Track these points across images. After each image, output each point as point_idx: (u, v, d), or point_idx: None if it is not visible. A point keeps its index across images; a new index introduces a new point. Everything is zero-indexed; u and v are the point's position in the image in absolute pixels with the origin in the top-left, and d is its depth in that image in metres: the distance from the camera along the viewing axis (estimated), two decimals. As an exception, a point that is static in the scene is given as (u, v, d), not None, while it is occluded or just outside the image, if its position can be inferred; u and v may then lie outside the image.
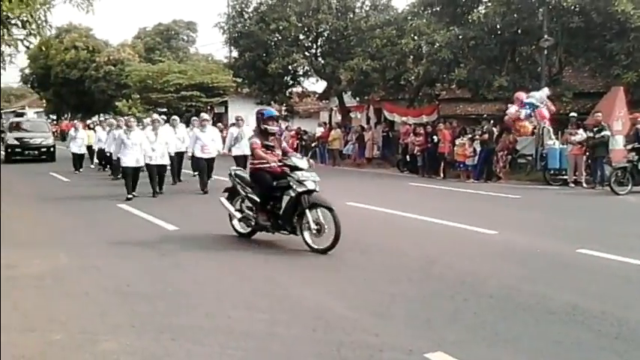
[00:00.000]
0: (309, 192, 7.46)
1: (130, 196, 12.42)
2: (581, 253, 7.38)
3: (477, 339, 4.49)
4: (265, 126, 8.16)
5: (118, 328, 4.78)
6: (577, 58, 19.96)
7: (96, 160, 21.48)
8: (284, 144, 8.73)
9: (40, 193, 14.29)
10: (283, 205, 7.59)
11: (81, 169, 20.14)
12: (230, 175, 8.48)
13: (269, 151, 8.01)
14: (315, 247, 7.36)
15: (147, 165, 13.05)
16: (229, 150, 14.67)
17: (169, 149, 13.88)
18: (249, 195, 8.08)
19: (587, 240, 8.13)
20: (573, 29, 17.63)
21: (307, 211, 7.40)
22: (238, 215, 8.31)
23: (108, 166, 19.29)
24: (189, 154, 14.86)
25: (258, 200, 7.92)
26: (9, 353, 4.26)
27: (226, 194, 8.61)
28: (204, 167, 14.02)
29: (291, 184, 7.51)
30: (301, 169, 7.61)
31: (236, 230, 8.49)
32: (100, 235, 8.96)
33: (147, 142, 12.86)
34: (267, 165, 7.88)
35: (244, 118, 15.32)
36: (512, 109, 17.24)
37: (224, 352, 4.26)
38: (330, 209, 7.30)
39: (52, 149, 24.87)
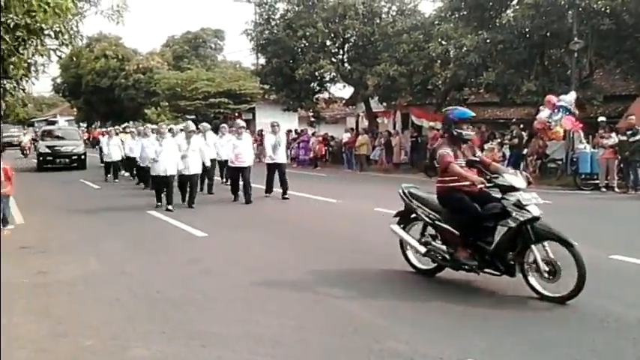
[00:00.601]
0: (534, 220, 5.75)
1: (159, 203, 12.24)
2: (614, 259, 7.25)
3: (508, 347, 4.43)
4: (459, 130, 6.41)
5: (148, 334, 4.82)
6: (608, 60, 19.61)
7: (126, 174, 20.38)
8: (480, 153, 7.00)
9: (70, 200, 14.49)
10: (497, 238, 5.78)
11: (116, 180, 19.38)
12: (403, 194, 6.89)
13: (466, 167, 6.30)
14: (548, 294, 5.55)
15: (179, 175, 12.45)
16: (270, 157, 13.92)
17: (204, 158, 13.18)
18: (439, 224, 6.30)
19: (620, 246, 7.98)
20: (604, 31, 17.32)
21: (533, 246, 5.71)
22: (422, 249, 6.45)
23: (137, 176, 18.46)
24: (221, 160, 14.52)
25: (457, 233, 6.09)
26: (41, 359, 4.33)
27: (397, 219, 6.96)
28: (237, 177, 13.36)
29: (508, 210, 5.78)
30: (518, 189, 5.92)
31: (412, 264, 6.77)
32: (129, 241, 9.07)
33: (177, 151, 12.29)
34: (466, 184, 6.10)
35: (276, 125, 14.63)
36: (544, 113, 16.93)
37: (253, 358, 4.27)
38: (568, 244, 5.61)
39: (82, 157, 25.08)
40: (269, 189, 14.01)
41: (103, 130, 28.43)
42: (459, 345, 4.45)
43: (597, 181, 15.67)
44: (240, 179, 13.29)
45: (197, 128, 14.11)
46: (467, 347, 4.40)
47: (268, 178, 14.00)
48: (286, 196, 13.50)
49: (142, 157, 15.41)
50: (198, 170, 12.84)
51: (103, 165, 21.31)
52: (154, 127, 15.99)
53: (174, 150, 12.19)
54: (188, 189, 12.55)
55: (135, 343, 4.60)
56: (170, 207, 11.87)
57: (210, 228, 9.74)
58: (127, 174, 20.41)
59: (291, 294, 5.95)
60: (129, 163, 19.42)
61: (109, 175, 19.79)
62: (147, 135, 15.55)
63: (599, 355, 4.24)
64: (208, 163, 13.63)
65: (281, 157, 13.96)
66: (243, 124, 14.28)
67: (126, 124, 29.38)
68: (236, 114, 34.26)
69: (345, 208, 10.90)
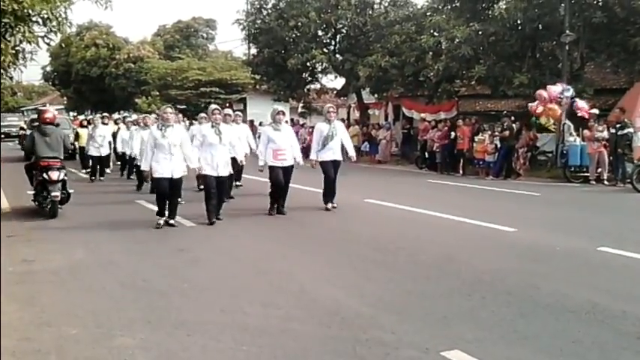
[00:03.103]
0: None
1: (161, 221, 9.04)
2: (601, 251, 7.26)
3: (495, 337, 4.43)
4: None
5: (133, 323, 4.78)
6: (599, 53, 19.63)
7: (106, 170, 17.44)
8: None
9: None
10: None
11: (102, 178, 16.58)
12: None
13: None
14: None
15: (204, 177, 9.56)
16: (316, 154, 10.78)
17: (236, 152, 10.56)
18: None
19: (608, 238, 8.00)
20: (596, 24, 17.33)
21: None
22: None
23: (131, 172, 15.70)
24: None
25: None
26: (25, 347, 4.29)
27: None
28: (280, 181, 10.08)
29: None
30: None
31: None
32: (116, 230, 9.03)
33: (189, 144, 9.32)
34: None
35: (262, 115, 13.12)
36: (556, 88, 16.84)
37: (239, 347, 4.25)
38: None
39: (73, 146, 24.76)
40: (325, 199, 10.72)
41: (88, 118, 24.33)
42: (446, 335, 4.44)
43: (587, 174, 15.75)
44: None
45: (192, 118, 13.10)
46: (453, 337, 4.39)
47: (326, 180, 10.73)
48: (334, 204, 10.64)
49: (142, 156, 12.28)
50: (228, 171, 9.81)
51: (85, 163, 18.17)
52: (158, 111, 13.97)
53: (185, 143, 9.21)
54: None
55: (120, 332, 4.57)
56: (173, 221, 9.15)
57: (199, 218, 9.69)
58: (109, 170, 17.77)
59: (278, 284, 5.92)
60: (122, 160, 16.97)
61: (93, 178, 16.40)
62: (147, 126, 13.00)
63: (584, 346, 4.24)
64: (242, 157, 11.19)
65: (337, 152, 10.77)
66: (282, 109, 10.97)
67: (117, 115, 27.92)
68: (227, 104, 34.13)
69: (335, 199, 10.87)
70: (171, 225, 9.02)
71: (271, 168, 10.15)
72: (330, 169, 10.54)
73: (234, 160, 10.38)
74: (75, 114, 51.42)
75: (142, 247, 7.76)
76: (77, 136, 19.41)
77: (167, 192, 9.01)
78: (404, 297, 5.45)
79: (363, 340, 4.34)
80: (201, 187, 10.89)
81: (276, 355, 4.14)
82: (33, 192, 10.57)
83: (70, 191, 10.60)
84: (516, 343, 4.31)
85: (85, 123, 20.00)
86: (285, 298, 5.42)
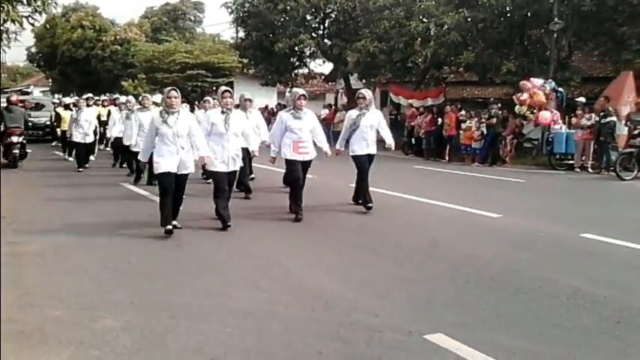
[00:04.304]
0: None
1: (170, 227, 7.31)
2: (584, 237, 7.34)
3: (477, 321, 4.47)
4: None
5: (117, 305, 4.78)
6: (587, 42, 19.73)
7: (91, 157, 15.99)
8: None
9: (43, 172, 14.28)
10: None
11: (87, 165, 15.06)
12: None
13: None
14: None
15: (212, 173, 8.15)
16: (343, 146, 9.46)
17: (249, 143, 8.51)
18: None
19: (591, 224, 8.08)
20: (584, 12, 17.39)
21: None
22: None
23: (125, 163, 14.35)
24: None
25: None
26: (9, 329, 4.27)
27: None
28: (299, 178, 8.58)
29: None
30: None
31: None
32: (102, 213, 8.98)
33: (199, 132, 7.59)
34: None
35: (252, 99, 10.66)
36: (538, 80, 16.97)
37: (223, 330, 4.26)
38: None
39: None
40: (363, 198, 9.24)
41: (70, 100, 21.05)
42: (429, 319, 4.48)
43: (572, 162, 15.89)
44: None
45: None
46: (436, 321, 4.43)
47: (359, 177, 9.32)
48: (370, 205, 9.05)
49: (141, 147, 10.70)
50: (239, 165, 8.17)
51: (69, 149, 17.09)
52: (152, 96, 13.06)
53: (195, 131, 7.54)
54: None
55: (104, 314, 4.56)
56: (175, 222, 7.61)
57: (186, 202, 9.62)
58: (93, 157, 16.23)
59: (263, 268, 5.93)
60: (115, 144, 15.16)
61: (81, 169, 14.62)
62: (146, 108, 12.10)
63: (565, 331, 4.30)
64: (255, 148, 8.71)
65: (372, 146, 9.25)
66: (303, 92, 8.92)
67: (104, 96, 26.62)
68: (214, 87, 33.93)
69: (320, 184, 10.88)
70: (174, 227, 7.42)
71: (290, 162, 8.53)
72: (364, 164, 9.15)
73: (246, 150, 8.71)
74: (60, 96, 50.91)
75: (127, 230, 7.71)
76: (58, 119, 18.07)
77: (172, 190, 7.45)
78: (388, 281, 5.48)
79: (347, 324, 4.36)
80: (209, 180, 9.92)
81: (261, 337, 4.15)
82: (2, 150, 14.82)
83: (28, 151, 15.31)
84: (498, 327, 4.35)
85: (71, 105, 17.51)
86: (269, 281, 5.43)
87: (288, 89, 30.80)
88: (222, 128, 7.70)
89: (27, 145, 16.05)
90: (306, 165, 8.68)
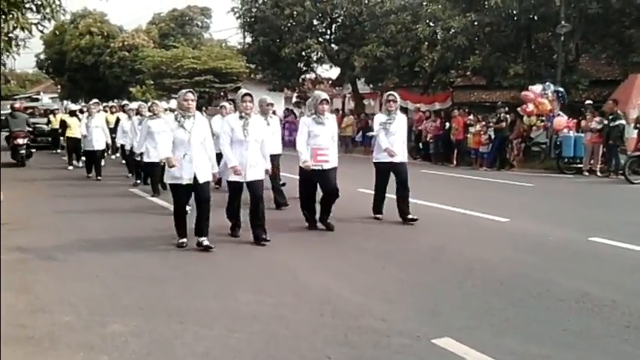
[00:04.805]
0: None
1: (182, 240, 7.03)
2: (593, 241, 7.32)
3: (485, 325, 4.47)
4: None
5: (126, 310, 4.80)
6: (594, 45, 19.71)
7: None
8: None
9: (52, 178, 14.36)
10: None
11: (99, 177, 14.03)
12: None
13: None
14: None
15: (227, 183, 7.56)
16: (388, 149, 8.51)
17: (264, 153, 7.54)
18: None
19: (600, 228, 8.05)
20: (591, 15, 17.37)
21: None
22: None
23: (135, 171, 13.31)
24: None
25: None
26: (19, 334, 4.30)
27: None
28: (314, 189, 8.17)
29: None
30: None
31: None
32: (110, 219, 9.02)
33: (211, 141, 7.16)
34: None
35: (273, 103, 10.31)
36: (537, 87, 16.95)
37: (231, 335, 4.27)
38: None
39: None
40: (377, 208, 8.91)
41: (80, 106, 21.56)
42: (436, 323, 4.48)
43: (580, 165, 15.83)
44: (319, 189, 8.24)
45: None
46: (444, 325, 4.43)
47: (377, 186, 8.90)
48: (413, 217, 8.54)
49: (151, 151, 11.01)
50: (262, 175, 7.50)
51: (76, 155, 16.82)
52: (165, 103, 12.77)
53: (207, 138, 7.07)
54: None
55: (113, 319, 4.58)
56: (206, 241, 6.90)
57: (193, 207, 9.65)
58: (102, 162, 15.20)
59: (270, 272, 5.96)
60: (124, 153, 14.55)
61: (90, 175, 14.39)
62: (157, 115, 11.34)
63: (573, 335, 4.29)
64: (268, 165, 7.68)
65: (401, 153, 8.65)
66: (326, 96, 8.13)
67: (112, 103, 26.38)
68: (222, 93, 34.01)
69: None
70: (207, 248, 6.79)
71: (305, 170, 7.99)
72: (384, 174, 8.66)
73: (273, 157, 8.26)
74: (68, 102, 51.13)
75: (136, 236, 7.75)
76: (64, 126, 17.27)
77: (187, 202, 7.24)
78: (395, 285, 5.49)
79: (355, 328, 4.37)
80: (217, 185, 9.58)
81: (268, 341, 4.16)
82: (10, 151, 17.10)
83: (32, 151, 17.52)
84: (506, 332, 4.35)
85: (77, 112, 17.48)
86: (277, 286, 5.45)
87: (296, 94, 30.85)
88: (240, 134, 7.12)
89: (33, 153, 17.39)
90: (326, 174, 7.93)
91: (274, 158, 8.48)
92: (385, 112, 8.67)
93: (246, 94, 7.28)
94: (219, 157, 7.51)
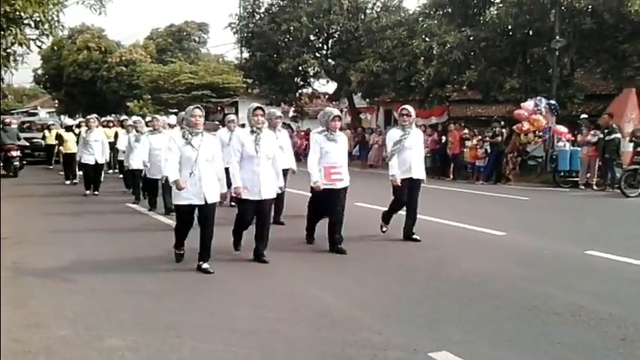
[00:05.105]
0: None
1: (180, 252, 7.01)
2: (589, 254, 7.34)
3: (482, 339, 4.47)
4: None
5: (123, 325, 4.80)
6: (589, 59, 19.83)
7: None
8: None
9: (49, 192, 14.34)
10: None
11: (96, 192, 13.78)
12: None
13: None
14: None
15: (238, 201, 7.21)
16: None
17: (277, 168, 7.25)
18: None
19: (596, 242, 8.07)
20: (585, 30, 17.50)
21: None
22: None
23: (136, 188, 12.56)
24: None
25: None
26: (15, 348, 4.29)
27: None
28: (322, 207, 7.95)
29: None
30: None
31: None
32: (107, 233, 9.01)
33: (221, 160, 6.87)
34: None
35: (282, 116, 9.84)
36: (529, 104, 17.05)
37: (228, 349, 4.27)
38: None
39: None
40: (387, 218, 8.74)
41: (77, 121, 20.94)
42: (434, 336, 4.49)
43: (576, 179, 15.88)
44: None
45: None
46: (441, 339, 4.43)
47: (395, 201, 8.60)
48: (417, 237, 8.31)
49: (152, 166, 10.82)
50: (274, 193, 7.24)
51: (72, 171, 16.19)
52: (166, 118, 11.88)
53: (216, 154, 6.77)
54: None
55: (109, 334, 4.58)
56: (207, 266, 6.60)
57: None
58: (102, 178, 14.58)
59: (267, 286, 5.96)
60: (125, 173, 13.78)
61: (88, 192, 13.72)
62: (157, 130, 11.08)
63: (570, 348, 4.30)
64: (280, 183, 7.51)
65: (417, 169, 8.35)
66: (338, 112, 7.95)
67: (110, 117, 25.60)
68: (219, 108, 34.12)
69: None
70: (207, 271, 6.51)
71: (316, 193, 7.70)
72: (402, 190, 8.33)
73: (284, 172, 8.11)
74: (65, 117, 51.08)
75: (132, 250, 7.75)
76: (60, 141, 16.72)
77: (192, 223, 6.81)
78: (392, 299, 5.49)
79: (352, 342, 4.37)
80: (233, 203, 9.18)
81: (265, 356, 4.17)
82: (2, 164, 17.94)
83: (24, 162, 18.91)
84: (503, 345, 4.36)
85: (74, 127, 17.16)
86: (274, 300, 5.45)
87: (293, 108, 30.90)
88: (251, 150, 6.79)
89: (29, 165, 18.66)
90: (339, 193, 7.66)
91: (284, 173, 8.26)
92: (399, 127, 8.35)
93: (257, 108, 6.96)
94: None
